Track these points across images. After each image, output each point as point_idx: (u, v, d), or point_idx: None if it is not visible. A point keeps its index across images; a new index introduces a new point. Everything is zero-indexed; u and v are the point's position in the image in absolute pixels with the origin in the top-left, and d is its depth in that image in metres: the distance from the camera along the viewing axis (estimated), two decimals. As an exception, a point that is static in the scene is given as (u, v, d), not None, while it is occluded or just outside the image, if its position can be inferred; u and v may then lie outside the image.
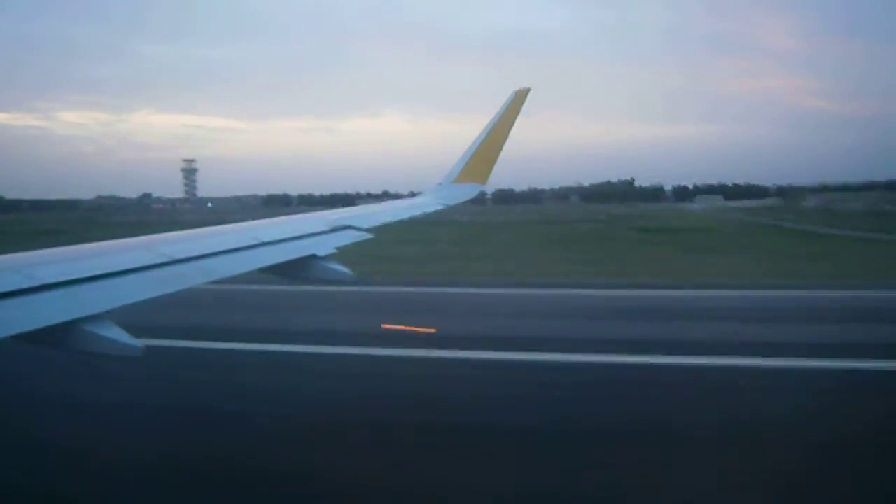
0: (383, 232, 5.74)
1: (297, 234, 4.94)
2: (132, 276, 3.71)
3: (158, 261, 3.87)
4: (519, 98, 8.76)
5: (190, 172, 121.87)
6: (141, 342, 3.43)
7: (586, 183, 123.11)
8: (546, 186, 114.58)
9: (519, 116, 8.70)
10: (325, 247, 4.86)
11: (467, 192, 8.41)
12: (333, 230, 5.30)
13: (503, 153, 8.63)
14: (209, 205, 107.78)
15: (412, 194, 9.11)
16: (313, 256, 4.70)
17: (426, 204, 7.47)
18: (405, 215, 6.57)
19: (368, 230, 5.54)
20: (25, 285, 3.33)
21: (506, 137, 8.75)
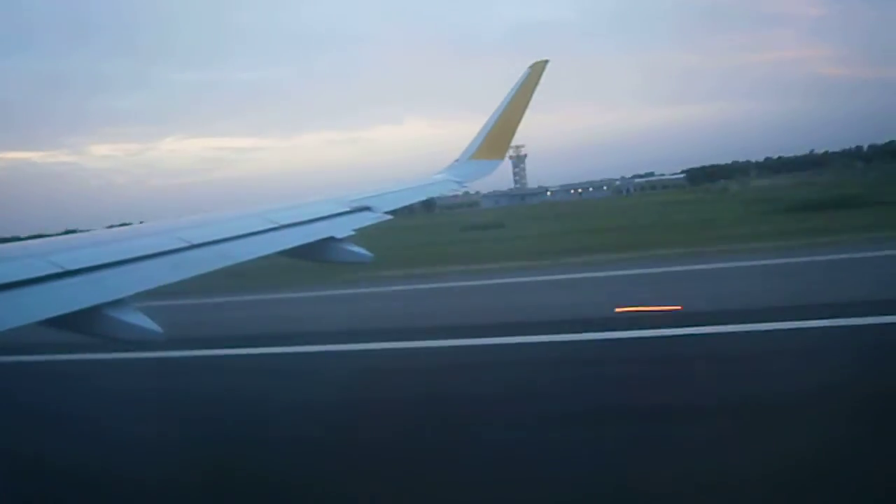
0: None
1: (314, 216, 4.94)
2: (152, 261, 3.75)
3: (177, 245, 3.90)
4: (536, 71, 8.59)
5: (519, 160, 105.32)
6: (161, 328, 3.48)
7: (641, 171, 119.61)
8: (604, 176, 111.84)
9: (539, 91, 8.56)
10: (342, 229, 4.86)
11: (485, 168, 8.33)
12: (351, 212, 5.29)
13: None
14: (548, 193, 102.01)
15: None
16: (331, 238, 4.70)
17: (443, 182, 7.42)
18: (423, 195, 6.53)
19: (387, 211, 5.52)
20: (49, 271, 3.38)
21: (523, 112, 8.62)
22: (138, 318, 3.40)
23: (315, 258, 4.65)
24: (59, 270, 3.39)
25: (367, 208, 5.46)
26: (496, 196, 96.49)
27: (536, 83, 8.56)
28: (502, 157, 8.73)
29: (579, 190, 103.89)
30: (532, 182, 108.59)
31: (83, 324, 3.34)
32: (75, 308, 3.24)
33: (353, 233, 4.88)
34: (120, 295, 3.43)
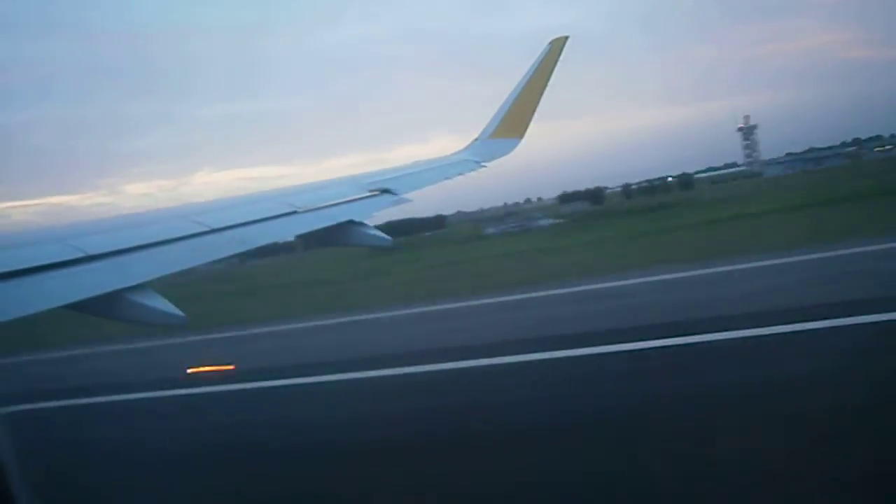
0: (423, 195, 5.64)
1: (332, 200, 4.91)
2: (172, 246, 3.76)
3: (196, 230, 3.90)
4: (556, 48, 8.42)
5: (749, 131, 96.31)
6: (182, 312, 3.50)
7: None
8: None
9: (556, 65, 8.38)
10: (362, 212, 4.83)
11: (504, 147, 8.22)
12: (370, 195, 5.25)
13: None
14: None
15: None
16: (350, 222, 4.68)
17: (462, 162, 7.32)
18: (442, 176, 6.45)
19: (407, 195, 5.47)
20: (71, 256, 3.40)
21: (544, 89, 8.47)
22: (160, 303, 3.42)
23: (335, 243, 4.63)
24: (81, 255, 3.41)
25: (387, 191, 5.41)
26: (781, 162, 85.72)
27: (556, 60, 8.40)
28: (522, 136, 8.60)
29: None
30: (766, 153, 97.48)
31: (106, 308, 3.37)
32: (98, 293, 3.27)
33: (372, 216, 4.85)
34: (141, 279, 3.45)
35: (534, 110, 8.55)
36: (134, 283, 3.41)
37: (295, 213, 4.55)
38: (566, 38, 8.54)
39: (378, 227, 4.85)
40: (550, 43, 8.45)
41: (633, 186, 79.23)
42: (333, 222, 4.60)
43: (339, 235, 4.62)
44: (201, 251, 3.81)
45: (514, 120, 8.37)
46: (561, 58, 8.56)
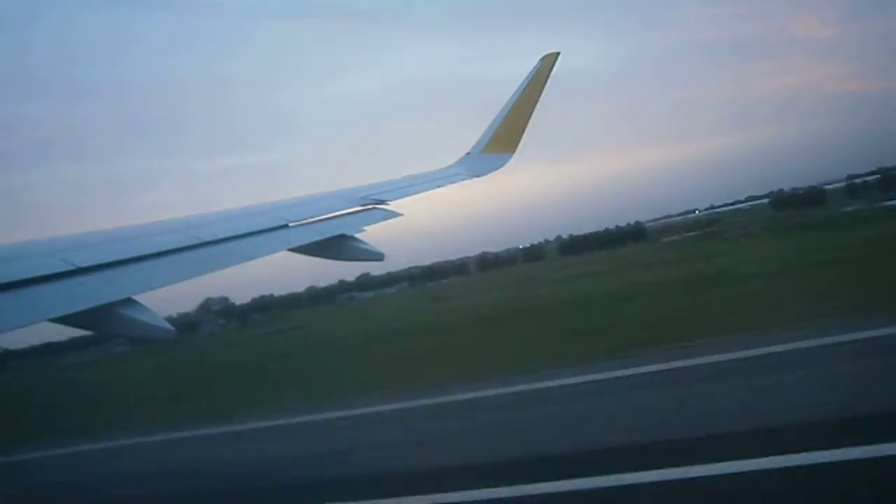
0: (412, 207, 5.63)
1: (324, 213, 4.91)
2: (164, 259, 3.75)
3: (188, 243, 3.89)
4: (547, 63, 8.50)
5: None
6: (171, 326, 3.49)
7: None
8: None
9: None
10: (354, 226, 4.83)
11: (495, 162, 8.26)
12: (362, 208, 5.26)
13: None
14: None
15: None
16: (342, 236, 4.68)
17: (454, 175, 7.36)
18: (433, 187, 6.48)
19: (399, 207, 5.48)
20: (61, 269, 3.38)
21: (535, 105, 8.52)
22: (150, 317, 3.41)
23: (327, 256, 4.63)
24: (72, 268, 3.40)
25: (379, 203, 5.42)
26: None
27: (548, 76, 8.47)
28: (513, 151, 8.65)
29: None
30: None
31: (95, 322, 3.35)
32: (87, 306, 3.25)
33: (364, 230, 4.85)
34: (132, 293, 3.44)
35: (525, 125, 8.60)
36: (124, 297, 3.39)
37: (286, 226, 4.55)
38: (558, 53, 8.62)
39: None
40: (542, 58, 8.53)
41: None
42: (325, 236, 4.60)
43: (330, 249, 4.62)
44: (192, 265, 3.80)
45: (506, 135, 8.41)
46: (553, 73, 8.66)
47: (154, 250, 3.75)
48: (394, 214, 5.37)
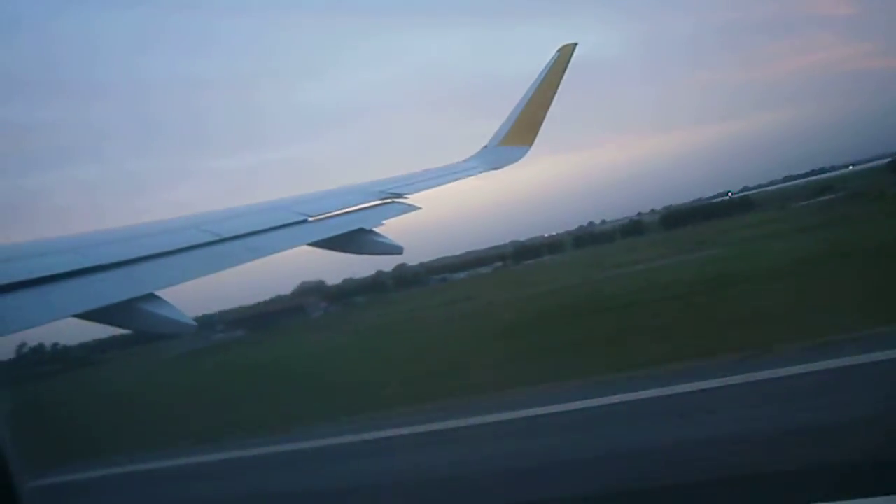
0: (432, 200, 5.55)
1: (343, 207, 4.89)
2: (183, 255, 3.75)
3: (207, 239, 3.89)
4: (564, 55, 8.42)
5: None
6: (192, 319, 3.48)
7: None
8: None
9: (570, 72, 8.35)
10: (372, 220, 4.81)
11: (514, 154, 8.20)
12: (380, 202, 5.23)
13: None
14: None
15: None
16: (361, 230, 4.66)
17: (472, 168, 7.32)
18: (452, 180, 6.44)
19: (418, 200, 5.45)
20: (82, 266, 3.40)
21: (553, 97, 8.45)
22: (171, 311, 3.41)
23: (346, 249, 4.61)
24: (91, 265, 3.41)
25: (398, 197, 5.39)
26: None
27: (565, 68, 8.39)
28: (531, 143, 8.58)
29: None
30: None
31: (117, 318, 3.37)
32: (108, 302, 3.26)
33: (383, 223, 4.83)
34: (152, 289, 3.44)
35: (543, 117, 8.53)
36: (144, 293, 3.40)
37: (306, 221, 4.54)
38: (575, 44, 8.53)
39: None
40: (559, 50, 8.44)
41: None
42: (344, 230, 4.58)
43: (350, 243, 4.60)
44: (212, 260, 3.80)
45: (524, 128, 8.35)
46: (570, 65, 8.57)
47: (174, 247, 3.76)
48: (413, 208, 5.34)
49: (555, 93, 8.48)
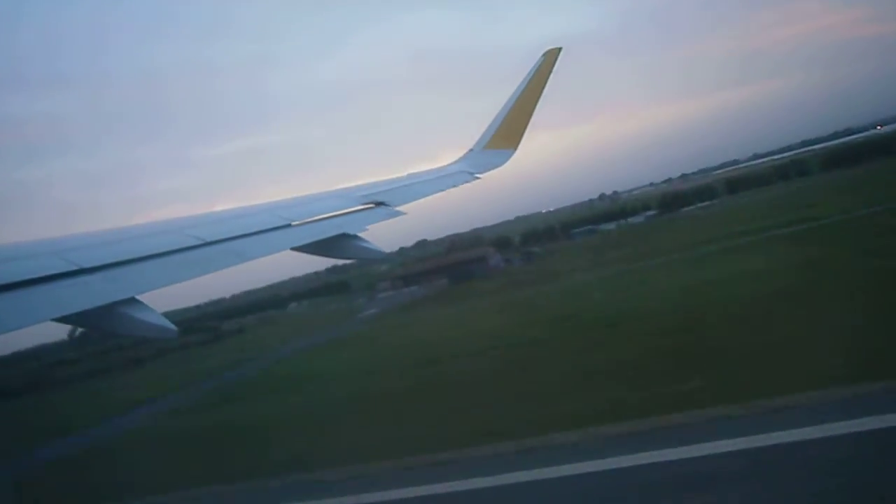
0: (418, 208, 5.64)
1: (326, 212, 4.92)
2: (165, 259, 3.76)
3: (189, 244, 3.91)
4: (549, 59, 8.49)
5: None
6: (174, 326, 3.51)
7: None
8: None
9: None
10: (356, 225, 4.84)
11: (498, 158, 8.25)
12: (364, 207, 5.27)
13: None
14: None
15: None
16: (344, 235, 4.69)
17: (457, 174, 7.35)
18: (437, 188, 6.47)
19: (402, 207, 5.48)
20: (64, 269, 3.41)
21: (537, 100, 8.52)
22: (153, 316, 3.43)
23: (328, 254, 4.65)
24: (74, 268, 3.42)
25: (381, 203, 5.43)
26: None
27: (550, 71, 8.46)
28: (516, 147, 8.64)
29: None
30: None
31: (99, 321, 3.38)
32: (90, 306, 3.27)
33: (366, 229, 4.86)
34: (135, 292, 3.46)
35: (528, 121, 8.59)
36: (127, 297, 3.41)
37: (289, 226, 4.56)
38: (559, 49, 8.60)
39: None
40: (544, 54, 8.51)
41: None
42: (327, 235, 4.61)
43: (332, 248, 4.64)
44: (195, 265, 3.81)
45: (509, 131, 8.41)
46: (555, 68, 8.64)
47: (157, 250, 3.77)
48: (396, 213, 5.38)
49: (539, 97, 8.54)
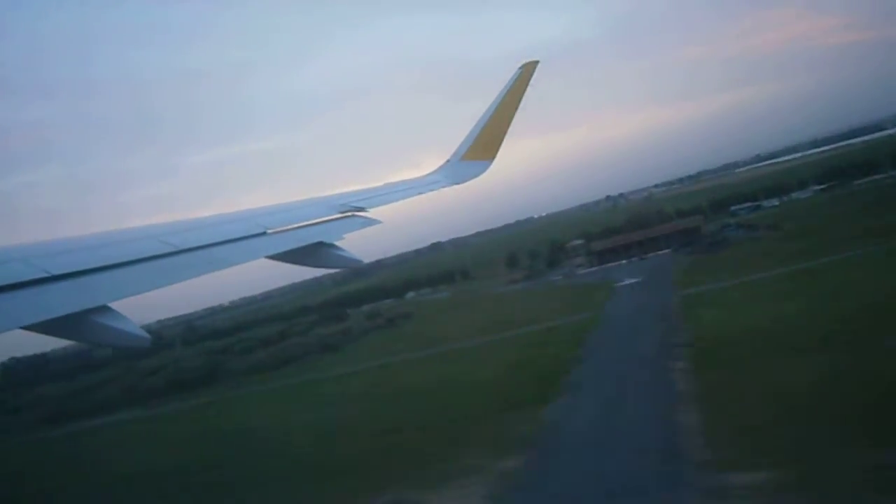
0: (392, 215, 5.65)
1: (303, 221, 4.89)
2: (140, 266, 3.70)
3: (166, 251, 3.85)
4: (527, 72, 8.58)
5: None
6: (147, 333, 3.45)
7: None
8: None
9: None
10: (332, 233, 4.82)
11: (475, 169, 8.29)
12: (341, 216, 5.24)
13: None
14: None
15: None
16: (321, 243, 4.66)
17: (434, 182, 7.37)
18: (413, 195, 6.48)
19: (378, 214, 5.47)
20: (34, 276, 3.33)
21: (514, 113, 8.59)
22: (125, 324, 3.36)
23: (305, 263, 4.61)
24: (44, 275, 3.35)
25: (358, 211, 5.41)
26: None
27: (527, 84, 8.55)
28: (493, 158, 8.70)
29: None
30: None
31: (69, 329, 3.30)
32: (61, 313, 3.20)
33: (343, 237, 4.84)
34: (107, 300, 3.39)
35: (505, 133, 8.66)
36: (98, 305, 3.35)
37: (265, 234, 4.52)
38: (536, 62, 8.70)
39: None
40: (521, 67, 8.60)
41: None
42: (303, 243, 4.58)
43: (309, 256, 4.60)
44: (168, 272, 3.76)
45: (486, 142, 8.46)
46: (532, 81, 8.72)
47: (129, 258, 3.71)
48: (373, 222, 5.36)
49: (516, 108, 8.62)
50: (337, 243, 4.73)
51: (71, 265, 3.50)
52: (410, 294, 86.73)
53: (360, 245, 4.85)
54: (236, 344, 64.52)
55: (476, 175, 8.14)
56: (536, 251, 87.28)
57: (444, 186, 7.54)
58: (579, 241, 79.36)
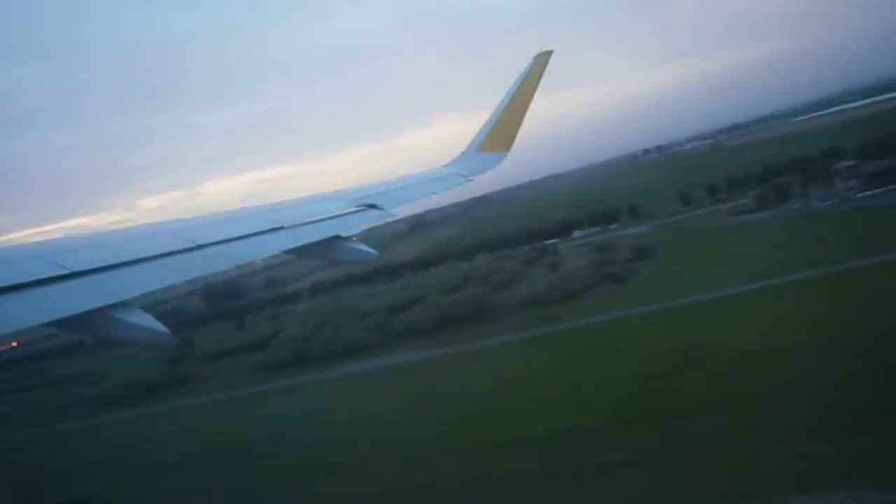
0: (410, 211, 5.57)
1: (319, 215, 4.89)
2: (158, 262, 3.72)
3: (183, 246, 3.86)
4: (540, 62, 8.51)
5: None
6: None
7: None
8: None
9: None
10: (348, 228, 4.82)
11: (491, 161, 8.25)
12: (356, 210, 5.24)
13: None
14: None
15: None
16: (336, 238, 4.66)
17: (449, 177, 7.33)
18: (429, 192, 6.45)
19: (394, 210, 5.46)
20: (54, 273, 3.36)
21: (529, 103, 8.54)
22: (145, 319, 3.38)
23: (321, 257, 4.61)
24: (65, 272, 3.37)
25: (373, 206, 5.40)
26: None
27: (541, 74, 8.48)
28: (508, 149, 8.65)
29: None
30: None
31: (89, 325, 3.33)
32: (80, 310, 3.22)
33: (359, 231, 4.83)
34: (126, 296, 3.41)
35: (520, 124, 8.60)
36: (118, 301, 3.36)
37: (281, 228, 4.53)
38: (550, 52, 8.62)
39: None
40: (535, 57, 8.53)
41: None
42: (319, 238, 4.58)
43: (325, 251, 4.60)
44: (187, 268, 3.77)
45: (501, 134, 8.41)
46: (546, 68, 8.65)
47: (149, 253, 3.72)
48: (388, 215, 5.35)
49: (531, 99, 8.56)
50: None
51: (91, 262, 3.52)
52: (577, 233, 73.10)
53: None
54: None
55: (492, 167, 8.10)
56: (765, 176, 67.47)
57: (459, 185, 7.49)
58: (849, 162, 63.95)
